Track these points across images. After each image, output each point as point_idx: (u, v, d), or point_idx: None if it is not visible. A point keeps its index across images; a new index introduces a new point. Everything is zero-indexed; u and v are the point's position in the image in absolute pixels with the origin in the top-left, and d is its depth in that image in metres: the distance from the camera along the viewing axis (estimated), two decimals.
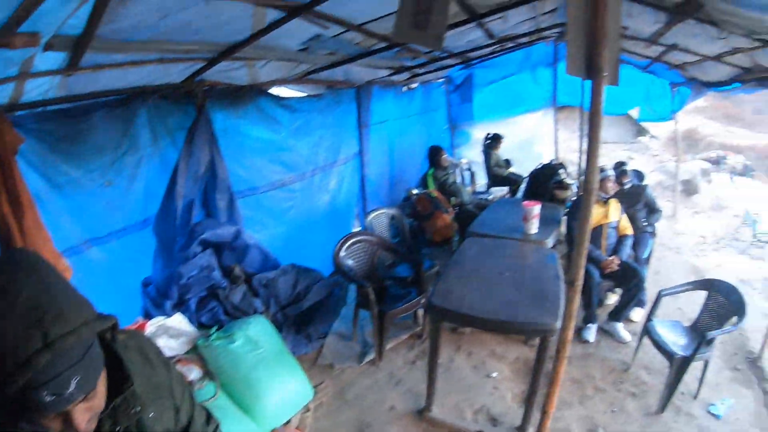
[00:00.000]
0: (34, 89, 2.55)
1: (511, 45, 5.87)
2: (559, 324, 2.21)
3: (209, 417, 1.28)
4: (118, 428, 0.95)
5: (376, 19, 3.15)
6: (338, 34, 3.33)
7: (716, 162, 10.76)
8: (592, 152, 1.87)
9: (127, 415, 0.96)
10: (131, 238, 3.35)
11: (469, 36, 4.35)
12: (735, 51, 3.22)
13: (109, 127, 3.12)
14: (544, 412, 2.31)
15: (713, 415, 2.88)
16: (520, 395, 2.98)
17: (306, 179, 4.73)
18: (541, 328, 2.29)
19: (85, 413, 0.83)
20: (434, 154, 5.52)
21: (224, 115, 3.75)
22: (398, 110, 6.45)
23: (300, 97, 4.72)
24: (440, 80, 7.49)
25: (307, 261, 3.97)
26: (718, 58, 3.62)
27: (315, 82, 4.64)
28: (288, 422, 2.79)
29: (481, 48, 5.27)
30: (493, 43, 5.05)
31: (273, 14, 2.58)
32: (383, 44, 3.82)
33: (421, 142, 5.87)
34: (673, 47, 3.88)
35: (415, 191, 5.20)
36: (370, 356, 3.39)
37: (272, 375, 2.76)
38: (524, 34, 4.93)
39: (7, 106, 2.52)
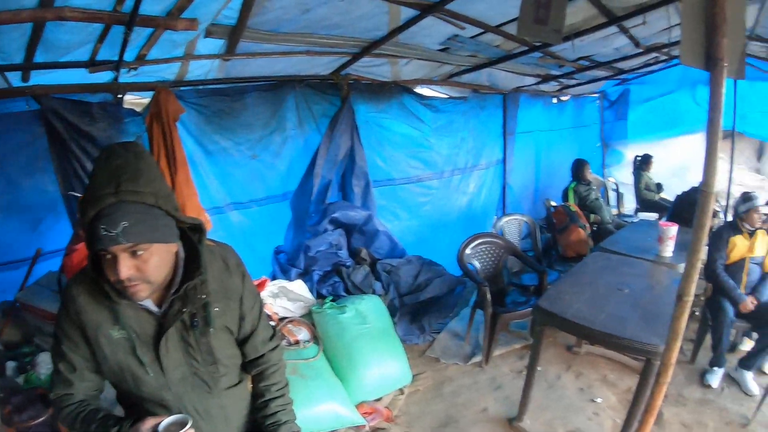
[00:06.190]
0: (197, 69, 2.99)
1: (664, 58, 5.30)
2: None
3: (273, 336, 1.38)
4: (185, 310, 1.14)
5: (512, 20, 3.09)
6: (476, 35, 3.37)
7: None
8: (710, 153, 1.66)
9: (195, 300, 1.15)
10: (270, 208, 3.72)
11: (614, 42, 4.09)
12: None
13: (259, 108, 3.48)
14: None
15: None
16: (621, 426, 2.75)
17: (444, 178, 4.78)
18: (646, 348, 2.15)
19: (130, 267, 1.01)
20: (578, 168, 5.19)
21: (367, 108, 3.97)
22: (547, 122, 6.22)
23: (443, 98, 4.75)
24: (595, 95, 7.08)
25: (436, 258, 3.99)
26: None
27: (459, 85, 4.65)
28: (379, 399, 2.88)
29: (629, 58, 4.87)
30: (642, 53, 4.64)
31: (408, 12, 2.72)
32: (524, 48, 3.74)
33: (570, 158, 5.44)
34: None
35: (553, 203, 5.00)
36: (478, 358, 3.35)
37: (373, 350, 2.86)
38: (673, 44, 4.40)
39: (173, 81, 3.00)
